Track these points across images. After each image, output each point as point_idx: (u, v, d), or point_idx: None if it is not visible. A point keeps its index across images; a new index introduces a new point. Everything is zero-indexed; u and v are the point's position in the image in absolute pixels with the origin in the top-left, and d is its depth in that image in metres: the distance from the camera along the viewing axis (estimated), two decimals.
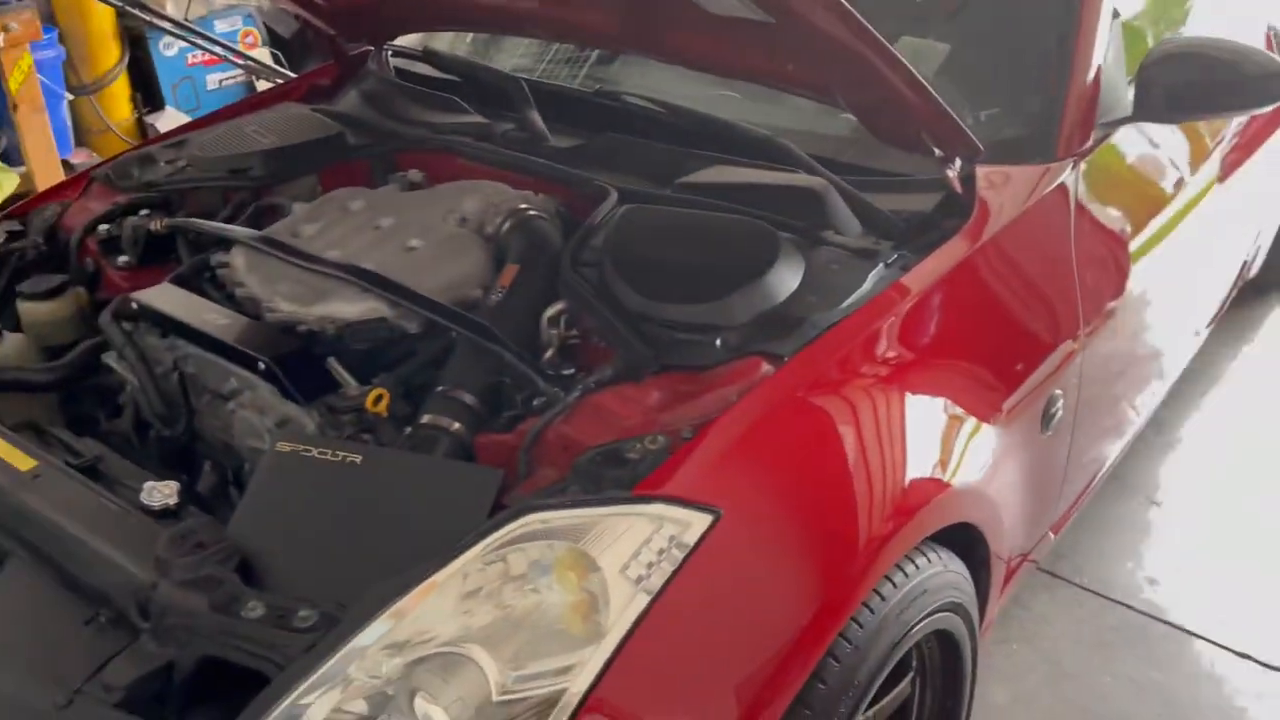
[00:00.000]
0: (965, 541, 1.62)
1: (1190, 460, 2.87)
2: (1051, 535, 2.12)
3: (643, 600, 1.17)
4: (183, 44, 4.50)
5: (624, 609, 1.16)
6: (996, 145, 1.77)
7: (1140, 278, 2.05)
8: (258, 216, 2.05)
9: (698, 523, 1.24)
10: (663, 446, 1.34)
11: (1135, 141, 2.07)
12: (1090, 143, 1.94)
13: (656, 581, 1.19)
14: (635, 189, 1.83)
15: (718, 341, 1.51)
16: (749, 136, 1.89)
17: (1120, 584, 2.47)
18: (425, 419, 1.53)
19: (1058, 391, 1.82)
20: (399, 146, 2.16)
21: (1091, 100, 1.94)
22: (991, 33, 2.07)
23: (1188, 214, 2.25)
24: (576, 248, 1.71)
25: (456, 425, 1.52)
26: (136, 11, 2.65)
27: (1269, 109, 1.96)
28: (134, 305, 1.81)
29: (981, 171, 1.74)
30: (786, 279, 1.57)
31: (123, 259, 2.02)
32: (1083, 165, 1.91)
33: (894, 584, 1.42)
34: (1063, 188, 1.86)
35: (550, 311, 1.64)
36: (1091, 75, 1.94)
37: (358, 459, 1.42)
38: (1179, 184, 2.25)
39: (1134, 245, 2.05)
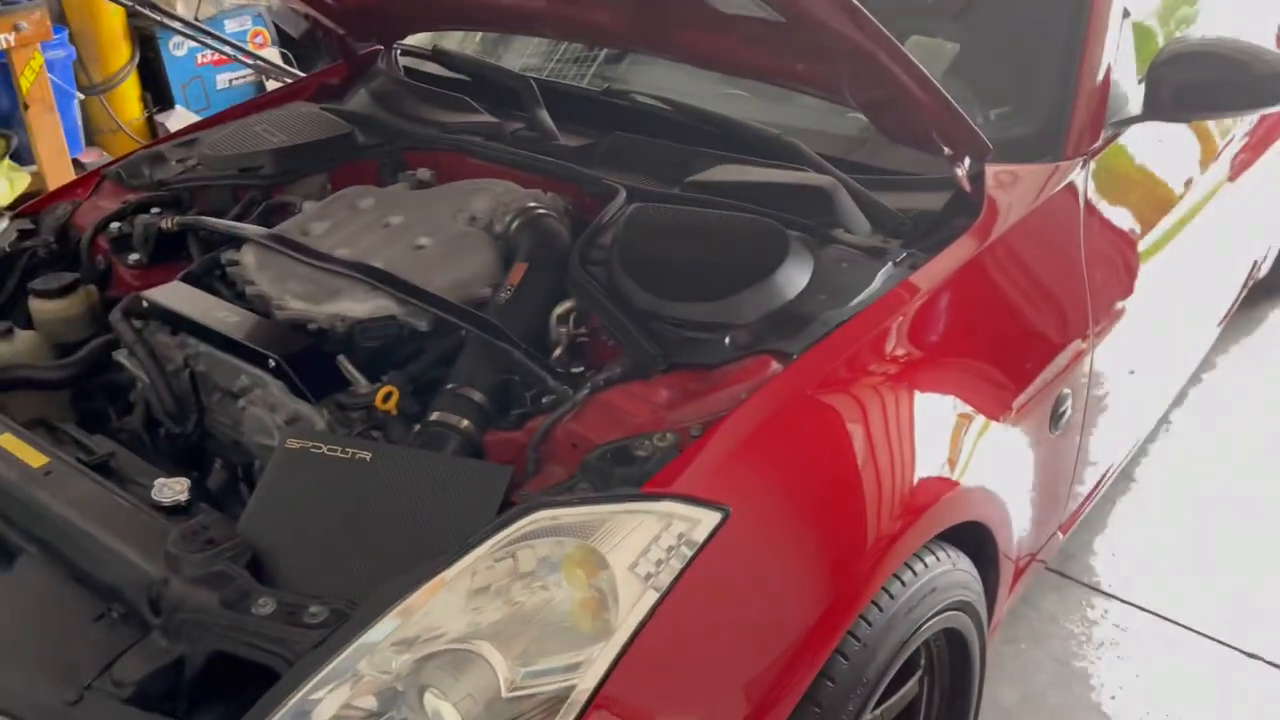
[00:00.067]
0: (974, 540, 1.62)
1: (1201, 462, 2.86)
2: (1060, 535, 2.12)
3: (651, 597, 1.17)
4: (193, 44, 4.51)
5: (633, 606, 1.16)
6: (1006, 144, 1.77)
7: (1150, 277, 2.05)
8: (268, 215, 2.06)
9: (706, 520, 1.24)
10: (672, 444, 1.35)
11: (1145, 141, 2.07)
12: (1100, 142, 1.93)
13: (665, 579, 1.19)
14: (644, 187, 1.84)
15: (727, 340, 1.51)
16: (758, 135, 1.89)
17: (1129, 584, 2.47)
18: (434, 416, 1.54)
19: (1067, 391, 1.81)
20: (408, 145, 2.17)
21: (1101, 99, 1.94)
22: (1001, 32, 2.07)
23: (1198, 214, 2.25)
24: (585, 246, 1.71)
25: (466, 423, 1.52)
26: (147, 11, 2.67)
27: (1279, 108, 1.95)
28: (144, 303, 1.82)
29: (991, 170, 1.73)
30: (795, 277, 1.57)
31: (133, 257, 2.02)
32: (1092, 164, 1.90)
33: (903, 582, 1.42)
34: (1072, 187, 1.86)
35: (559, 309, 1.65)
36: (1101, 74, 1.94)
37: (367, 456, 1.42)
38: (1189, 183, 2.24)
39: (1143, 245, 2.05)
